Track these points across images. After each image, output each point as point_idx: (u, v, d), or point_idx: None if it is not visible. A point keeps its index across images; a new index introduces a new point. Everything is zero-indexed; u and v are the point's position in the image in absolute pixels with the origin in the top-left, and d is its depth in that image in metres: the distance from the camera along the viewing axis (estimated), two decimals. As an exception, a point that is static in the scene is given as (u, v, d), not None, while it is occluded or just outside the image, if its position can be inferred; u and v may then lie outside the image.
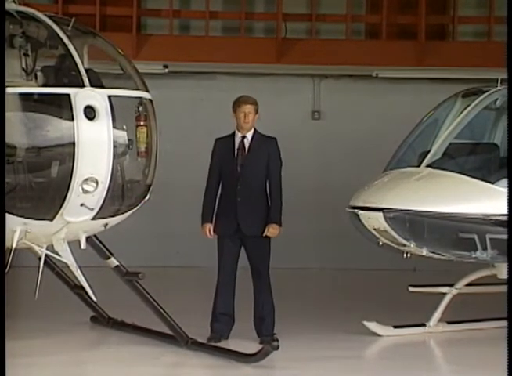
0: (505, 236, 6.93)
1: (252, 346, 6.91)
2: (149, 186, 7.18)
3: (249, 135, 7.31)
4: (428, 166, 7.35)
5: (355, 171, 10.91)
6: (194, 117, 12.34)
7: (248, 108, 7.29)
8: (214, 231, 7.30)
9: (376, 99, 12.34)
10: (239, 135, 7.33)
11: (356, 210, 7.39)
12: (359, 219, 7.40)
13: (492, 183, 7.10)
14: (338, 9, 12.42)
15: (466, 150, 7.89)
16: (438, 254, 7.28)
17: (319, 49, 12.16)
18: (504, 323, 8.42)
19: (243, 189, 7.19)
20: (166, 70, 11.89)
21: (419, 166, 7.45)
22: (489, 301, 8.77)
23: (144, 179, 7.13)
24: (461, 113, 7.63)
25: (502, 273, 7.54)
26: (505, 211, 6.91)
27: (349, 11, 12.34)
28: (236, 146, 7.29)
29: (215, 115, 12.38)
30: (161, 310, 7.21)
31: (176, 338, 7.20)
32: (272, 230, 7.18)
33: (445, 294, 8.09)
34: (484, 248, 7.04)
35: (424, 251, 7.18)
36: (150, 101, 7.14)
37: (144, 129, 7.04)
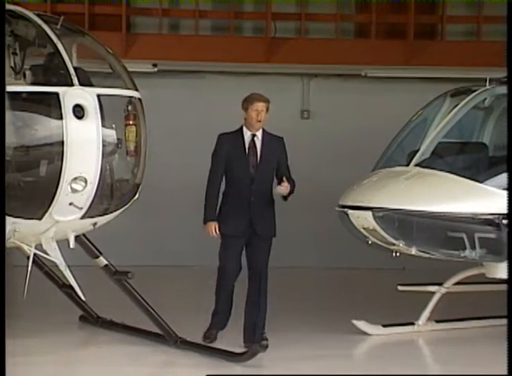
0: (493, 235, 6.97)
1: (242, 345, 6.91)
2: (138, 185, 7.17)
3: (259, 134, 7.11)
4: (417, 165, 7.36)
5: (344, 170, 10.90)
6: (183, 116, 12.32)
7: (261, 106, 7.07)
8: (219, 230, 7.07)
9: (365, 99, 12.35)
10: (248, 133, 7.11)
11: (345, 209, 7.40)
12: (349, 218, 7.41)
13: (481, 182, 7.12)
14: (327, 8, 12.43)
15: (455, 150, 7.91)
16: (427, 253, 7.30)
17: (308, 49, 12.17)
18: (492, 321, 8.52)
19: (257, 189, 6.99)
20: (155, 69, 11.88)
21: (408, 165, 7.46)
22: (478, 300, 8.81)
23: (133, 178, 7.12)
24: (450, 112, 7.65)
25: (491, 272, 7.56)
26: (493, 209, 6.97)
27: (338, 10, 12.36)
28: (247, 145, 7.07)
29: (205, 114, 12.39)
30: (150, 309, 7.21)
31: (165, 337, 7.19)
32: (284, 186, 6.91)
33: (433, 293, 8.12)
34: (473, 247, 7.06)
35: (413, 250, 7.19)
36: (139, 100, 7.13)
37: (133, 128, 7.03)
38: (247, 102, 7.12)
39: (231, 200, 7.06)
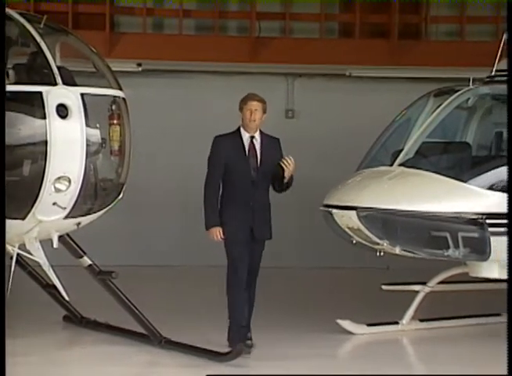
0: (476, 235, 7.00)
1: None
2: (123, 184, 7.15)
3: (257, 135, 6.95)
4: (401, 165, 7.38)
5: (329, 169, 10.93)
6: (168, 115, 12.31)
7: (255, 105, 6.90)
8: (222, 234, 6.88)
9: (349, 98, 12.38)
10: (246, 134, 6.93)
11: (330, 209, 7.41)
12: (333, 218, 7.42)
13: (464, 182, 7.14)
14: (312, 8, 12.45)
15: (439, 149, 7.93)
16: (411, 252, 7.32)
17: (292, 48, 12.18)
18: (476, 320, 8.55)
19: (258, 193, 6.87)
20: (139, 69, 11.85)
21: (392, 165, 7.47)
22: (461, 298, 8.85)
23: (117, 178, 7.10)
24: (433, 112, 7.67)
25: (474, 271, 7.59)
26: (477, 209, 7.00)
27: (322, 10, 12.38)
28: (247, 147, 6.90)
29: (189, 114, 12.38)
30: (135, 309, 7.19)
31: (150, 337, 7.17)
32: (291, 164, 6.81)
33: (417, 292, 8.15)
34: (457, 246, 7.09)
35: (397, 250, 7.21)
36: (124, 99, 7.11)
37: (117, 128, 7.01)
38: (242, 102, 7.00)
39: (232, 204, 6.88)
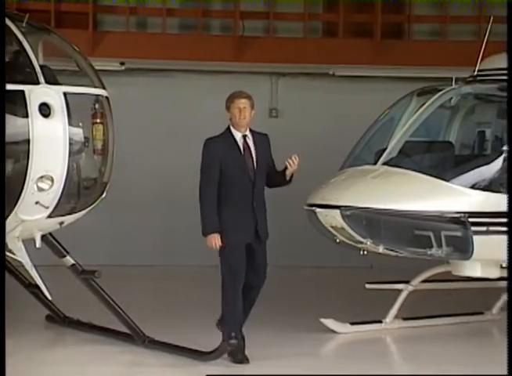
0: (459, 234, 7.03)
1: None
2: (106, 184, 7.13)
3: (249, 133, 6.72)
4: (384, 164, 7.40)
5: (312, 168, 10.93)
6: (151, 114, 12.28)
7: (243, 103, 6.67)
8: (222, 241, 6.58)
9: (333, 97, 12.40)
10: (238, 134, 6.68)
11: (314, 208, 7.42)
12: (317, 217, 7.43)
13: (447, 181, 7.17)
14: (295, 7, 12.46)
15: (422, 148, 7.96)
16: (395, 251, 7.34)
17: (276, 47, 12.19)
18: (459, 319, 8.59)
19: (257, 193, 6.67)
20: (123, 68, 11.82)
21: (375, 164, 7.49)
22: (444, 297, 8.89)
23: (100, 177, 7.08)
24: (416, 111, 7.70)
25: (457, 270, 7.62)
26: (459, 208, 7.03)
27: (306, 9, 12.39)
28: (241, 147, 6.66)
29: (173, 113, 12.36)
30: (118, 309, 7.17)
31: (133, 336, 7.16)
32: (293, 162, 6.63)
33: (401, 291, 8.17)
34: (440, 245, 7.11)
35: (381, 249, 7.23)
36: (107, 98, 7.09)
37: (100, 127, 6.99)
38: (229, 100, 6.74)
39: (232, 206, 6.60)
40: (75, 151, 6.72)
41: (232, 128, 6.74)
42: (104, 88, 7.09)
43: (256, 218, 6.66)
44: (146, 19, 12.63)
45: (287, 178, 6.72)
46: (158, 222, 12.33)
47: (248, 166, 6.66)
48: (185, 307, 9.20)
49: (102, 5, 12.49)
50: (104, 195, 7.13)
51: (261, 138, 6.82)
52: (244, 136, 6.72)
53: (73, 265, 7.21)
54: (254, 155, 6.70)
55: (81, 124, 6.81)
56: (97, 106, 6.97)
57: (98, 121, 6.97)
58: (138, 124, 12.04)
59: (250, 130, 6.81)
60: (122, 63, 11.80)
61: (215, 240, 6.56)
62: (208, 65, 12.04)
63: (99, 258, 10.73)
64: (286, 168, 6.69)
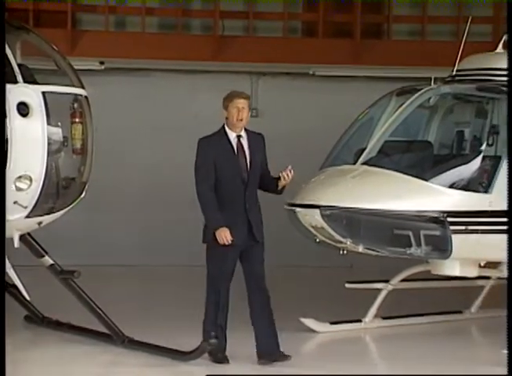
0: (438, 233, 7.06)
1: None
2: (85, 183, 7.10)
3: (243, 134, 6.63)
4: (364, 163, 7.41)
5: (293, 168, 10.96)
6: (131, 114, 12.24)
7: (242, 103, 6.58)
8: (212, 240, 6.50)
9: (313, 97, 12.42)
10: (233, 134, 6.58)
11: (294, 207, 7.42)
12: (297, 217, 7.43)
13: (426, 180, 7.19)
14: (275, 7, 12.47)
15: (401, 148, 7.98)
16: (374, 250, 7.36)
17: (256, 47, 12.19)
18: (438, 317, 8.63)
19: (250, 194, 6.57)
20: (102, 67, 11.78)
21: (355, 163, 7.50)
22: (424, 296, 8.92)
23: (79, 177, 7.05)
24: (395, 111, 7.72)
25: (436, 269, 7.65)
26: (438, 207, 7.06)
27: (286, 9, 12.41)
28: (235, 147, 6.57)
29: (153, 113, 12.32)
30: (97, 309, 7.14)
31: (113, 336, 7.13)
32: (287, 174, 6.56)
33: (380, 290, 8.20)
34: (419, 245, 7.13)
35: (360, 248, 7.24)
36: (86, 98, 7.06)
37: (79, 126, 6.96)
38: (227, 99, 6.64)
39: (225, 207, 6.50)
40: (54, 151, 6.69)
41: (226, 127, 6.64)
42: (83, 87, 7.06)
43: (249, 220, 6.56)
44: (126, 18, 12.59)
45: (279, 188, 6.69)
46: (137, 222, 12.30)
47: (241, 167, 6.56)
48: (165, 307, 9.18)
49: (81, 4, 12.44)
50: (83, 195, 7.10)
51: (255, 137, 6.72)
52: (238, 136, 6.62)
53: (52, 265, 7.17)
54: (247, 155, 6.60)
55: (59, 123, 6.78)
56: (76, 105, 6.95)
57: (77, 120, 6.94)
58: (118, 123, 12.00)
59: (245, 130, 6.71)
60: (101, 63, 11.76)
61: (225, 234, 6.44)
62: (188, 64, 12.02)
63: (78, 258, 10.69)
64: (279, 177, 6.65)
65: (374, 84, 11.55)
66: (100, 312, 7.14)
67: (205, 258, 6.66)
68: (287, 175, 6.58)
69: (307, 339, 7.72)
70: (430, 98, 7.80)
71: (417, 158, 7.94)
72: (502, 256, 7.36)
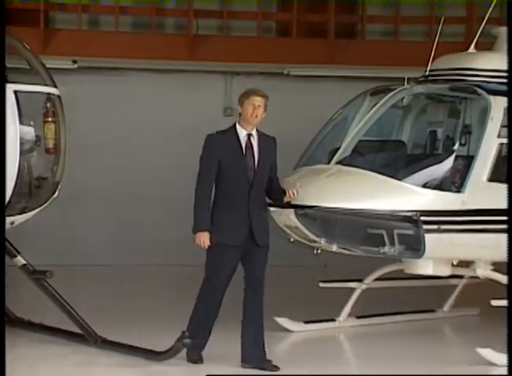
0: (411, 232, 7.09)
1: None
2: (58, 183, 7.06)
3: (254, 133, 6.49)
4: (338, 163, 7.42)
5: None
6: (104, 113, 12.19)
7: (258, 101, 6.44)
8: (214, 239, 6.41)
9: (287, 97, 12.42)
10: (244, 132, 6.45)
11: (268, 207, 7.41)
12: (271, 216, 7.43)
13: (400, 180, 7.22)
14: (249, 6, 12.47)
15: (375, 148, 8.01)
16: (348, 250, 7.38)
17: (230, 46, 12.18)
18: (412, 316, 8.68)
19: (255, 196, 6.43)
20: (75, 66, 11.72)
21: (329, 163, 7.52)
22: (397, 295, 8.97)
23: (52, 176, 7.01)
24: (369, 111, 7.75)
25: (410, 268, 7.68)
26: (412, 206, 7.09)
27: (260, 9, 12.41)
28: (244, 146, 6.43)
29: (126, 112, 12.27)
30: (70, 309, 7.10)
31: (85, 336, 7.09)
32: (292, 193, 6.59)
33: (354, 289, 8.23)
34: (392, 244, 7.16)
35: (334, 247, 7.25)
36: (58, 97, 7.02)
37: (52, 125, 6.92)
38: (244, 96, 6.49)
39: (227, 206, 6.40)
40: (26, 150, 6.65)
41: (238, 124, 6.51)
42: (56, 86, 7.01)
43: (251, 222, 6.42)
44: (99, 17, 12.53)
45: (284, 202, 6.68)
46: (109, 222, 12.26)
47: (248, 166, 6.41)
48: (139, 307, 9.15)
49: (53, 3, 12.36)
50: (56, 194, 7.06)
51: (267, 140, 6.59)
52: (249, 135, 6.48)
53: (25, 265, 7.12)
54: (256, 156, 6.46)
55: (32, 122, 6.74)
56: (49, 104, 6.90)
57: (49, 119, 6.90)
58: (91, 123, 11.95)
59: (257, 130, 6.56)
60: (74, 62, 11.70)
61: (204, 238, 6.36)
62: (162, 64, 11.99)
63: (51, 258, 10.62)
64: (285, 191, 6.66)
65: (348, 84, 11.58)
66: (73, 312, 7.10)
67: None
68: (293, 194, 6.60)
69: (281, 338, 7.72)
70: (403, 98, 7.84)
71: (391, 158, 7.97)
72: (475, 255, 7.45)
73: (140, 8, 12.39)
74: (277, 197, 6.71)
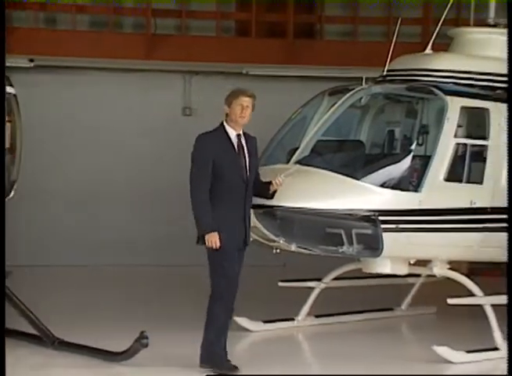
0: (369, 231, 7.12)
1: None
2: (14, 182, 6.97)
3: (241, 133, 6.49)
4: (297, 163, 7.44)
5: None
6: (61, 112, 12.08)
7: (246, 101, 6.42)
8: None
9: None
10: (233, 132, 6.44)
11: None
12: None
13: (358, 179, 7.26)
14: (208, 6, 12.45)
15: (333, 147, 8.04)
16: (307, 249, 7.39)
17: (189, 46, 12.15)
18: (370, 315, 8.74)
19: (249, 195, 6.44)
20: (32, 65, 11.60)
21: (288, 163, 7.53)
22: (356, 294, 9.02)
23: (8, 176, 6.91)
24: (328, 110, 7.77)
25: (368, 267, 7.73)
26: (370, 206, 7.12)
27: (219, 8, 12.40)
28: (235, 145, 6.42)
29: (83, 111, 12.18)
30: (26, 310, 7.02)
31: (42, 338, 7.02)
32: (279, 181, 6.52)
33: (313, 288, 8.25)
34: (351, 243, 7.19)
35: (293, 247, 7.27)
36: (14, 96, 6.94)
37: (8, 125, 6.82)
38: (232, 96, 6.46)
39: (225, 208, 6.33)
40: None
41: (226, 125, 6.49)
42: (11, 85, 6.93)
43: (246, 221, 6.44)
44: (56, 15, 12.41)
45: (270, 192, 6.65)
46: (66, 222, 12.18)
47: (242, 166, 6.41)
48: (98, 307, 9.08)
49: (10, 1, 12.19)
50: (12, 194, 6.97)
51: (251, 139, 6.60)
52: (239, 135, 6.48)
53: (-20, 266, 7.01)
54: (246, 156, 6.48)
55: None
56: (4, 103, 6.80)
57: (5, 118, 6.80)
58: (48, 122, 11.84)
59: (242, 130, 6.57)
60: (31, 60, 11.58)
61: (215, 239, 6.26)
62: (120, 63, 11.92)
63: (11, 258, 10.49)
64: (270, 182, 6.61)
65: (307, 84, 11.62)
66: (29, 313, 7.03)
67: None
68: (279, 181, 6.56)
69: (240, 338, 7.72)
70: (361, 98, 7.87)
71: (349, 157, 8.00)
72: (432, 254, 7.52)
73: (98, 7, 12.30)
74: (263, 191, 6.68)
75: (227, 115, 6.54)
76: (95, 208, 12.19)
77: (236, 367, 6.57)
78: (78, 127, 12.12)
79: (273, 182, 6.62)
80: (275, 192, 6.70)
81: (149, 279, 11.08)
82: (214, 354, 6.43)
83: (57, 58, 11.72)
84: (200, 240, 6.42)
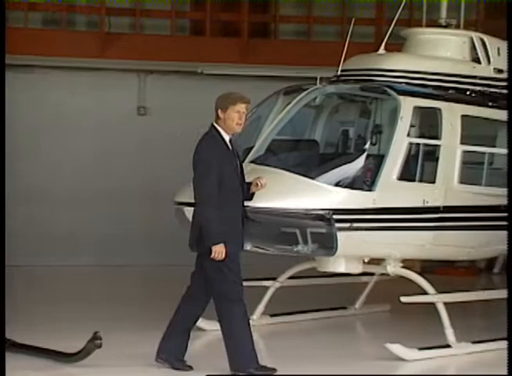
0: (324, 230, 7.15)
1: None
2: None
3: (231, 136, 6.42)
4: (252, 162, 7.44)
5: (181, 166, 10.92)
6: (11, 112, 11.92)
7: (244, 108, 6.30)
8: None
9: (201, 96, 12.38)
10: (227, 137, 6.31)
11: (182, 206, 7.38)
12: (185, 215, 7.39)
13: (313, 179, 7.29)
14: (162, 5, 12.41)
15: (288, 147, 8.06)
16: (262, 248, 7.40)
17: (143, 45, 12.11)
18: (325, 313, 8.78)
19: (243, 198, 6.44)
20: (-19, 63, 11.43)
21: (243, 162, 7.53)
22: (310, 293, 9.06)
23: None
24: (283, 110, 7.79)
25: (323, 266, 7.77)
26: (324, 205, 7.16)
27: (173, 7, 12.36)
28: (232, 151, 6.35)
29: (35, 111, 12.05)
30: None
31: (-6, 340, 6.92)
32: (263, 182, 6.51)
33: (268, 287, 8.27)
34: (306, 242, 7.21)
35: (249, 246, 7.27)
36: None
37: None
38: (229, 101, 6.29)
39: (227, 214, 6.24)
40: None
41: (221, 129, 6.34)
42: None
43: (243, 225, 6.40)
44: (8, 13, 12.23)
45: (250, 193, 6.60)
46: (20, 222, 12.06)
47: (238, 169, 6.39)
48: (53, 308, 9.00)
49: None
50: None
51: (234, 140, 6.51)
52: (230, 140, 6.40)
53: None
54: (238, 159, 6.47)
55: None
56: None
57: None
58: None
59: None
60: (-20, 58, 11.40)
61: (222, 250, 6.18)
62: (73, 61, 11.82)
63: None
64: (250, 183, 6.56)
65: (261, 84, 11.63)
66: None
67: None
68: (261, 184, 6.52)
69: (195, 338, 7.68)
70: (316, 97, 7.91)
71: (304, 157, 8.03)
72: (385, 253, 7.58)
73: (50, 4, 12.17)
74: (245, 192, 6.64)
75: (219, 118, 6.39)
76: (45, 206, 12.07)
77: (190, 367, 6.55)
78: (31, 127, 11.99)
79: (257, 182, 6.57)
80: (253, 194, 6.69)
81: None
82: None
83: (8, 56, 11.55)
84: (200, 248, 6.32)
